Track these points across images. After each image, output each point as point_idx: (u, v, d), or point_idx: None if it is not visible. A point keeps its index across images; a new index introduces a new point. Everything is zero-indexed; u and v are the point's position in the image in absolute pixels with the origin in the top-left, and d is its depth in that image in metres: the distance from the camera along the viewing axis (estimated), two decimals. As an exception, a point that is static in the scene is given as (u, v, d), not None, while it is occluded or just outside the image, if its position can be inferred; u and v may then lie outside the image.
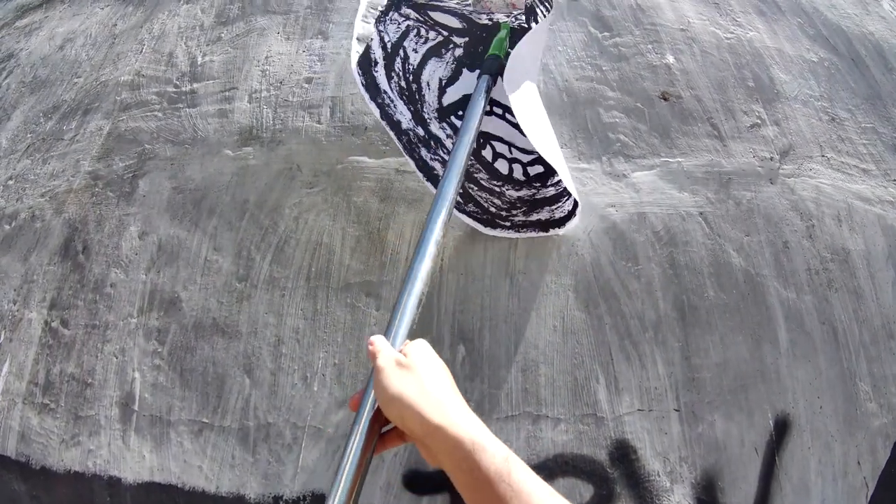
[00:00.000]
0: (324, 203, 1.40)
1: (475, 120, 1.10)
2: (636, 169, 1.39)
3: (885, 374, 1.29)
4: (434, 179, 1.28)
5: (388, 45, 1.34)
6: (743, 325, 1.25)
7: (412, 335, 0.77)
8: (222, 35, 1.81)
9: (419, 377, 0.62)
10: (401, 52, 1.35)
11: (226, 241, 1.42)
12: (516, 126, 1.37)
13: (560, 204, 1.30)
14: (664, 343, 1.19)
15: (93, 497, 1.31)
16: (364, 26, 1.34)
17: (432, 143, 1.29)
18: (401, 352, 0.69)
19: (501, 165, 1.34)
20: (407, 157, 1.26)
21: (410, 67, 1.34)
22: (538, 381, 1.15)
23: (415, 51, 1.36)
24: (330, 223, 1.38)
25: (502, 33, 1.32)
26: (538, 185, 1.32)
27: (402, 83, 1.32)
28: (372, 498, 1.12)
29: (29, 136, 1.88)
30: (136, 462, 1.31)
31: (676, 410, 1.16)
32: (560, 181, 1.29)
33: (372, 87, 1.27)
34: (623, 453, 1.12)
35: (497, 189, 1.32)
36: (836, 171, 1.51)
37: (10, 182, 1.80)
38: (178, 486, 1.26)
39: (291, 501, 1.16)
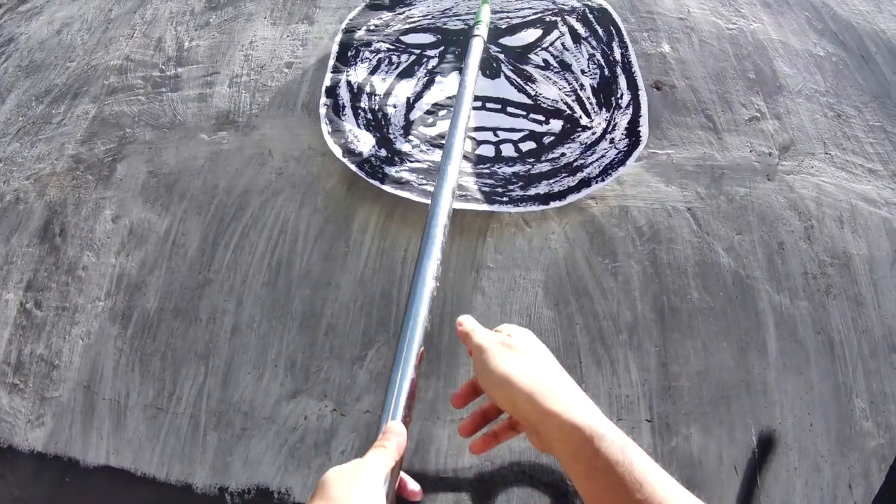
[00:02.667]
0: (291, 189, 1.31)
1: (471, 78, 1.12)
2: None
3: (884, 391, 1.14)
4: (404, 186, 1.23)
5: (355, 86, 1.39)
6: (729, 330, 1.11)
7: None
8: (211, 20, 1.74)
9: (527, 359, 0.55)
10: (367, 86, 1.39)
11: (193, 226, 1.34)
12: (499, 111, 1.32)
13: (558, 179, 1.22)
14: (639, 347, 1.06)
15: (52, 478, 1.24)
16: (332, 77, 1.40)
17: (396, 158, 1.27)
18: (496, 331, 0.62)
19: (487, 150, 1.28)
20: (370, 181, 1.23)
21: (377, 98, 1.37)
22: (498, 381, 1.04)
23: (383, 80, 1.41)
24: (296, 209, 1.28)
25: (484, 4, 1.36)
26: (532, 160, 1.25)
27: (369, 115, 1.35)
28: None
29: (20, 119, 1.83)
30: (93, 445, 1.23)
31: (648, 421, 1.03)
32: (558, 157, 1.25)
33: (336, 132, 1.30)
34: (587, 464, 1.00)
35: (486, 171, 1.25)
36: (839, 170, 1.36)
37: (0, 165, 1.76)
38: (131, 471, 1.18)
39: (236, 494, 1.07)
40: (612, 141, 1.24)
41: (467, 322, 0.63)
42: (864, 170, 1.38)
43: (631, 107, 1.29)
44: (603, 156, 1.22)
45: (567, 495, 0.99)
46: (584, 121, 1.29)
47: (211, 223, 1.32)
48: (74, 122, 1.69)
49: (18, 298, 1.45)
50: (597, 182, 1.17)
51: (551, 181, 1.19)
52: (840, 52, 1.58)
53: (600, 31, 1.43)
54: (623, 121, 1.27)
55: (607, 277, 1.12)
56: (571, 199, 1.16)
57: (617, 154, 1.21)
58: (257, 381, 1.12)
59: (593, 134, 1.26)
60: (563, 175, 1.20)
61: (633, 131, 1.25)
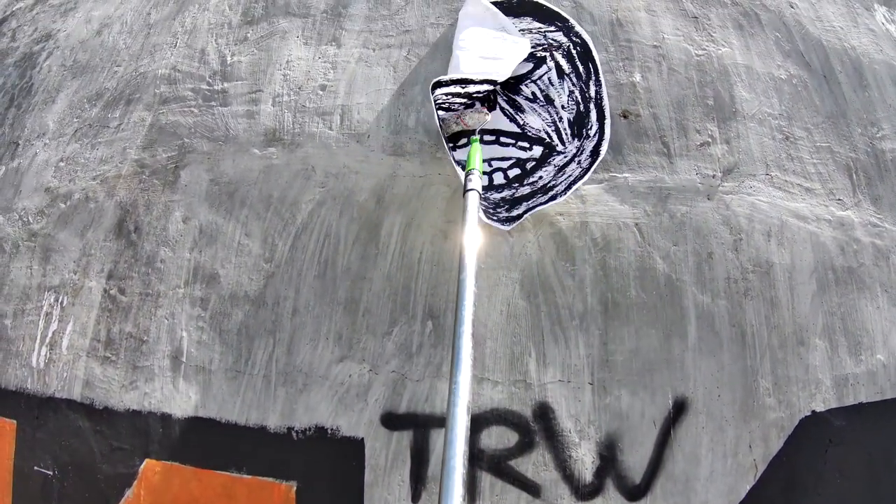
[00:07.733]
0: (332, 200, 2.13)
1: (470, 252, 1.66)
2: (586, 182, 2.06)
3: (788, 376, 1.86)
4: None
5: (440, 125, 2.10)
6: (657, 321, 1.92)
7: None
8: (248, 35, 2.51)
9: None
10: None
11: (255, 229, 2.18)
12: (493, 142, 2.10)
13: (535, 199, 1.99)
14: (587, 330, 1.90)
15: (148, 429, 2.06)
16: (438, 113, 2.08)
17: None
18: None
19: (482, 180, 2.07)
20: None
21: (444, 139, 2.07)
22: (484, 351, 1.87)
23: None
24: (337, 218, 2.12)
25: (472, 148, 1.99)
26: (516, 185, 2.04)
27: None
28: (358, 431, 1.91)
29: (75, 120, 2.62)
30: (183, 402, 2.06)
31: (590, 384, 1.87)
32: (536, 180, 2.02)
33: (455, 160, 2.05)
34: (543, 412, 1.84)
35: (482, 200, 2.04)
36: (776, 189, 2.12)
37: (62, 164, 2.53)
38: (217, 419, 2.03)
39: (300, 431, 1.95)
40: (579, 163, 2.03)
41: None
42: (801, 189, 2.13)
43: (597, 135, 2.07)
44: (570, 175, 2.01)
45: (530, 433, 1.86)
46: (559, 147, 2.08)
47: (269, 227, 2.16)
48: (132, 128, 2.50)
49: (101, 286, 2.29)
50: (561, 196, 1.97)
51: (529, 202, 2.00)
52: (802, 72, 2.30)
53: (581, 68, 2.18)
54: (589, 146, 2.05)
55: (567, 277, 1.94)
56: (539, 209, 1.96)
57: (581, 172, 2.01)
58: (314, 350, 1.99)
59: (565, 157, 2.05)
60: (539, 196, 2.00)
61: (595, 152, 2.04)
